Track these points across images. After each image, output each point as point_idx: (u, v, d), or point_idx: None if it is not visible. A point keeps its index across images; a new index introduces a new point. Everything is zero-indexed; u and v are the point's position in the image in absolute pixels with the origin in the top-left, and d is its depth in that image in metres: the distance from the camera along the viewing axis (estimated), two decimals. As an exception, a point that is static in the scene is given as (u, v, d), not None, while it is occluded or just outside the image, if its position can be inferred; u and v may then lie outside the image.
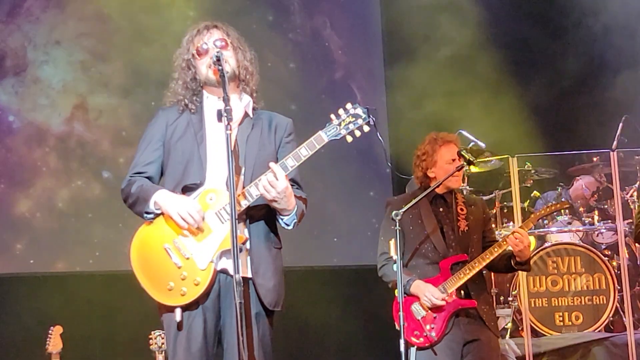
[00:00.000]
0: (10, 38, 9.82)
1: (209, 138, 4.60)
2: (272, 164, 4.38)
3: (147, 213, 4.52)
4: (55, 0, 9.94)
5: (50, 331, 7.09)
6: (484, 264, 6.18)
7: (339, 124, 4.42)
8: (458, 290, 6.10)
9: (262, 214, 4.57)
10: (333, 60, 10.44)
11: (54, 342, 7.02)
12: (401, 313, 5.67)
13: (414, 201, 6.00)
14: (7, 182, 9.64)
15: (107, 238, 9.54)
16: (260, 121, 4.70)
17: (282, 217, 4.56)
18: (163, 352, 6.65)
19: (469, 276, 6.09)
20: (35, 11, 9.90)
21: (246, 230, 4.50)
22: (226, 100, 4.31)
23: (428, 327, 6.05)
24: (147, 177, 4.66)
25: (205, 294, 4.46)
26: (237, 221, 4.21)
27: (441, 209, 6.32)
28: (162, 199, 4.49)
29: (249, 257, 4.49)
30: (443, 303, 6.03)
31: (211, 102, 4.67)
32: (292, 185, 4.56)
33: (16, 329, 8.84)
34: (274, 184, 4.35)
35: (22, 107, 9.77)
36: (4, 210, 9.57)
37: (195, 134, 4.61)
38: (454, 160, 6.29)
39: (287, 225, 4.62)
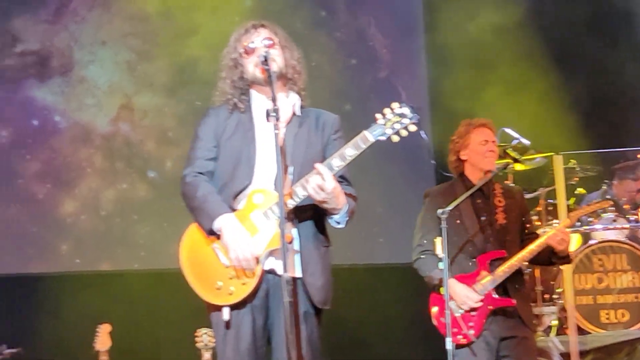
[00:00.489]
0: (57, 38, 9.91)
1: (258, 137, 4.59)
2: (317, 165, 4.35)
3: (210, 231, 4.50)
4: (100, 0, 10.00)
5: (98, 329, 7.12)
6: (523, 262, 6.15)
7: (385, 124, 4.34)
8: (495, 287, 6.04)
9: (310, 212, 4.54)
10: (378, 59, 10.36)
11: (102, 340, 7.05)
12: (448, 311, 5.66)
13: (459, 200, 5.95)
14: (53, 182, 9.72)
15: (152, 238, 9.60)
16: (308, 119, 4.68)
17: (332, 215, 4.53)
18: (210, 350, 6.65)
19: (507, 274, 6.02)
20: (81, 11, 9.96)
21: (294, 230, 4.49)
22: (274, 99, 4.31)
23: (466, 325, 6.00)
24: (207, 173, 4.62)
25: (253, 293, 4.46)
26: (285, 220, 4.20)
27: (479, 201, 6.22)
28: (227, 228, 4.46)
29: (297, 256, 4.48)
30: (480, 304, 5.99)
31: (259, 101, 4.66)
32: (340, 181, 4.53)
33: (64, 327, 8.88)
34: (322, 186, 4.32)
35: (68, 107, 9.84)
36: (50, 210, 9.66)
37: (245, 134, 4.60)
38: (486, 141, 6.24)
39: (338, 223, 4.59)
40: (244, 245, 4.40)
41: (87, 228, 9.68)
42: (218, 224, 4.45)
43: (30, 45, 9.87)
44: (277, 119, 4.26)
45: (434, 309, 6.10)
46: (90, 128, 9.82)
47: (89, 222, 9.70)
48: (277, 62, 4.58)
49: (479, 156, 6.22)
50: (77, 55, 9.92)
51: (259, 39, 4.65)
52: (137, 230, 9.71)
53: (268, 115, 4.27)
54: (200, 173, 4.61)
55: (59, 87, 9.86)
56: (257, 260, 4.42)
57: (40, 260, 9.56)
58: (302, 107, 4.72)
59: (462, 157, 6.31)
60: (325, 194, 4.34)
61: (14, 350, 7.85)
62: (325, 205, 4.43)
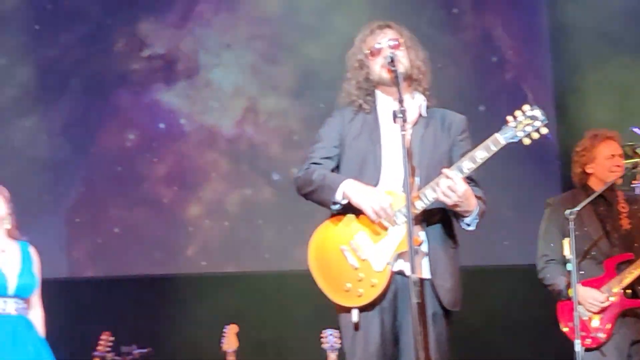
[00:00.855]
0: (183, 42, 10.02)
1: (384, 138, 4.58)
2: (446, 170, 4.34)
3: (334, 203, 4.50)
4: (226, 3, 10.08)
5: (224, 330, 7.21)
6: None
7: (516, 126, 4.34)
8: (624, 289, 5.95)
9: (439, 215, 4.54)
10: (504, 60, 10.19)
11: (229, 341, 7.13)
12: (576, 313, 5.60)
13: (587, 200, 5.84)
14: (179, 186, 9.84)
15: (277, 241, 9.61)
16: (434, 120, 4.64)
17: (463, 218, 4.51)
18: (335, 351, 6.66)
19: (635, 275, 5.93)
20: (206, 15, 10.06)
21: (423, 233, 4.48)
22: (401, 100, 4.28)
23: (595, 328, 5.93)
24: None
25: (382, 295, 4.46)
26: (413, 223, 4.21)
27: (602, 208, 6.18)
28: (352, 189, 4.45)
29: (426, 258, 4.46)
30: (608, 303, 5.88)
31: (385, 102, 4.64)
32: (469, 182, 4.50)
33: (192, 328, 9.00)
34: (453, 189, 4.31)
35: (193, 110, 9.93)
36: (177, 213, 9.78)
37: (371, 134, 4.59)
38: (613, 156, 6.18)
39: (469, 225, 4.56)
40: (377, 196, 4.38)
41: (213, 231, 9.74)
42: (340, 192, 4.45)
43: (157, 49, 10.01)
44: (404, 120, 4.24)
45: (562, 317, 5.98)
46: (215, 131, 9.88)
47: (214, 225, 9.76)
48: (403, 63, 4.57)
49: (606, 171, 6.20)
50: (202, 59, 10.00)
51: (385, 39, 4.64)
52: (262, 233, 9.73)
53: (395, 116, 4.25)
54: (314, 163, 4.64)
55: (184, 90, 9.95)
56: (393, 220, 4.42)
57: (167, 263, 9.68)
58: (427, 107, 4.68)
59: (588, 171, 6.28)
60: (457, 197, 4.33)
61: (143, 351, 7.97)
62: (456, 209, 4.42)
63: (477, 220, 4.53)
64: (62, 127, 9.92)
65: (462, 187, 4.32)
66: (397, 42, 4.61)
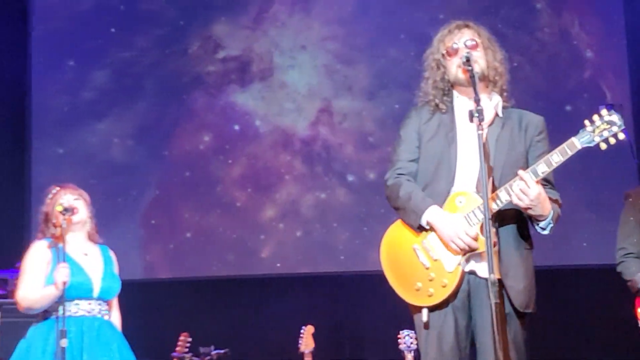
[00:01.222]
0: (257, 44, 10.07)
1: (460, 139, 4.57)
2: (521, 172, 4.33)
3: (419, 228, 4.54)
4: (300, 5, 10.10)
5: (302, 331, 7.29)
6: None
7: (593, 131, 4.33)
8: None
9: (512, 216, 4.51)
10: (582, 59, 10.00)
11: (306, 342, 7.22)
12: None
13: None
14: (253, 187, 9.86)
15: (352, 242, 9.58)
16: (510, 120, 4.61)
17: (537, 222, 4.48)
18: (412, 352, 6.64)
19: None
20: (281, 16, 10.09)
21: (495, 234, 4.42)
22: (477, 100, 4.26)
23: None
24: (410, 173, 4.64)
25: (454, 295, 4.47)
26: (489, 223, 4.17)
27: None
28: (435, 219, 4.48)
29: (498, 259, 4.41)
30: None
31: (461, 103, 4.64)
32: (544, 185, 4.49)
33: (269, 329, 9.08)
34: (526, 192, 4.29)
35: (268, 112, 9.97)
36: (251, 215, 9.79)
37: (446, 135, 4.59)
38: None
39: (543, 229, 4.53)
40: (457, 229, 4.40)
41: (287, 232, 9.76)
42: (425, 219, 4.48)
43: (232, 51, 10.09)
44: (481, 120, 4.21)
45: (640, 312, 5.88)
46: (290, 132, 9.91)
47: (288, 226, 9.77)
48: (480, 63, 4.55)
49: None
50: (277, 60, 10.06)
51: (462, 40, 4.63)
52: (337, 235, 9.70)
53: (471, 116, 4.22)
54: (402, 174, 4.64)
55: (259, 92, 10.01)
56: (476, 239, 4.41)
57: (241, 264, 9.71)
58: (504, 108, 4.65)
59: None
60: (530, 200, 4.30)
61: (220, 351, 8.04)
62: (530, 212, 4.39)
63: (552, 225, 4.51)
64: (137, 129, 10.05)
65: (535, 190, 4.30)
66: (474, 42, 4.60)
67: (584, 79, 9.94)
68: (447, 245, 4.45)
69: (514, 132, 4.59)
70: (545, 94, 9.61)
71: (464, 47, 4.59)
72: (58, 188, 5.72)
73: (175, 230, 9.85)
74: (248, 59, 10.04)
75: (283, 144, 9.89)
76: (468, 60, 4.42)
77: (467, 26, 4.69)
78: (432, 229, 4.50)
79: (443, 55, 4.66)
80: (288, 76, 10.03)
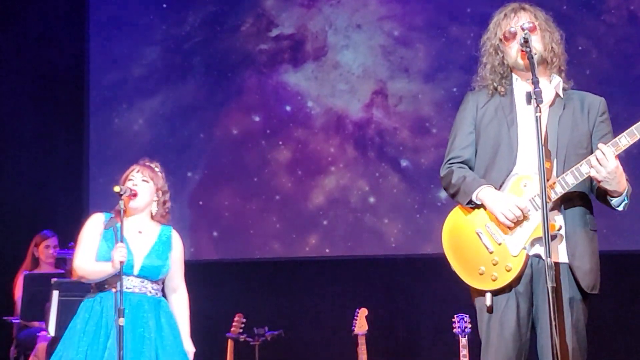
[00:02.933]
0: (311, 22, 9.88)
1: (520, 121, 4.56)
2: (601, 145, 4.32)
3: (469, 203, 4.58)
4: (358, -18, 9.84)
5: (356, 313, 7.43)
6: None
7: None
8: None
9: (579, 197, 4.52)
10: (651, 44, 9.71)
11: (360, 324, 7.36)
12: None
13: None
14: (303, 170, 9.71)
15: (404, 227, 9.40)
16: (572, 101, 4.59)
17: (611, 198, 4.48)
18: (466, 336, 6.75)
19: None
20: (336, -7, 9.85)
21: (560, 217, 4.46)
22: (535, 82, 4.24)
23: None
24: (463, 161, 4.68)
25: (517, 280, 4.46)
26: (549, 208, 4.25)
27: None
28: (486, 197, 4.51)
29: (563, 242, 4.45)
30: None
31: (520, 86, 4.62)
32: None
33: (322, 311, 9.16)
34: (603, 163, 4.29)
35: (320, 93, 9.78)
36: (300, 199, 9.66)
37: (506, 117, 4.59)
38: None
39: (617, 206, 4.54)
40: (507, 203, 4.43)
41: (337, 216, 9.60)
42: (475, 196, 4.53)
43: (285, 29, 9.93)
44: (539, 103, 4.19)
45: None
46: (343, 115, 9.72)
47: (338, 210, 9.60)
48: (537, 46, 4.52)
49: None
50: (331, 40, 9.85)
51: (519, 23, 4.60)
52: (389, 219, 9.49)
53: (529, 98, 4.21)
54: (454, 163, 4.68)
55: (312, 72, 9.83)
56: (525, 217, 4.44)
57: (291, 248, 9.63)
58: (564, 89, 4.64)
59: None
60: (606, 173, 4.32)
61: (274, 333, 8.18)
62: (605, 186, 4.40)
63: (626, 202, 4.51)
64: (186, 107, 9.91)
65: (613, 163, 4.29)
66: (531, 25, 4.56)
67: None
68: (497, 221, 4.45)
69: (577, 113, 4.57)
70: (611, 80, 9.33)
71: (521, 30, 4.53)
72: (136, 166, 5.79)
73: (224, 212, 9.74)
74: (301, 38, 9.85)
75: (335, 127, 9.70)
76: (527, 42, 4.36)
77: (523, 9, 4.64)
78: (483, 206, 4.52)
79: (501, 40, 4.61)
80: (342, 56, 9.81)
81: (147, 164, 5.83)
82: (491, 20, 4.70)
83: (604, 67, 9.42)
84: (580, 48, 9.20)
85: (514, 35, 4.55)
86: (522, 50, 4.43)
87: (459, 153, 4.67)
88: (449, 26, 9.53)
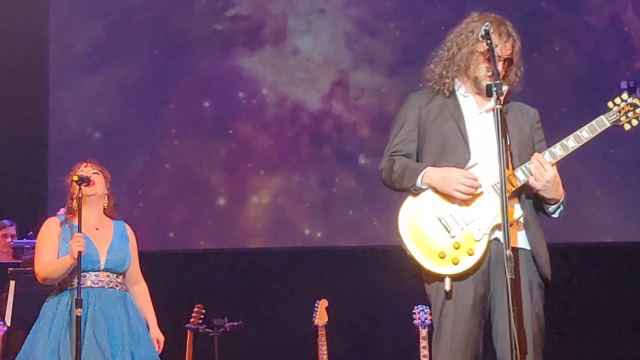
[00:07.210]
0: (271, 4, 9.68)
1: (467, 118, 4.61)
2: (537, 154, 4.49)
3: (415, 189, 4.57)
4: (323, -36, 9.61)
5: (316, 304, 7.51)
6: None
7: (619, 111, 4.53)
8: None
9: (532, 190, 4.57)
10: (632, 48, 9.41)
11: (320, 315, 7.45)
12: None
13: None
14: (253, 162, 9.45)
15: (364, 220, 9.32)
16: (511, 108, 4.68)
17: (547, 205, 4.59)
18: (426, 327, 6.85)
19: None
20: (300, -25, 9.63)
21: (519, 205, 4.56)
22: (495, 74, 4.29)
23: None
24: (405, 155, 4.66)
25: (477, 265, 4.50)
26: (508, 197, 4.26)
27: None
28: (433, 178, 4.52)
29: (523, 230, 4.55)
30: None
31: (464, 90, 4.67)
32: None
33: (282, 302, 9.14)
34: (542, 173, 4.43)
35: (277, 80, 9.52)
36: (245, 190, 9.41)
37: (452, 113, 4.62)
38: None
39: (552, 213, 4.64)
40: (456, 177, 4.47)
41: (290, 210, 9.40)
42: (420, 178, 4.53)
43: (243, 9, 9.67)
44: (500, 94, 4.24)
45: None
46: (299, 105, 9.48)
47: (291, 205, 9.38)
48: (510, 79, 4.63)
49: None
50: (291, 24, 9.60)
51: (505, 51, 4.59)
52: (351, 212, 9.39)
53: (489, 90, 4.26)
54: (395, 155, 4.67)
55: (269, 57, 9.55)
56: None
57: (249, 240, 9.53)
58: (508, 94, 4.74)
59: None
60: (545, 182, 4.45)
61: (234, 324, 8.21)
62: (543, 194, 4.51)
63: (562, 209, 4.63)
64: (132, 87, 9.52)
65: (550, 172, 4.45)
66: (512, 61, 4.62)
67: (634, 70, 9.41)
68: (452, 199, 4.50)
69: (519, 117, 4.70)
70: (588, 84, 9.16)
71: (504, 62, 4.60)
72: (83, 162, 5.97)
73: (166, 204, 9.40)
74: (260, 20, 9.60)
75: (290, 118, 9.45)
76: (487, 33, 4.34)
77: (509, 35, 4.61)
78: (434, 190, 4.54)
79: (481, 52, 4.56)
80: (302, 42, 9.58)
81: (89, 159, 5.98)
82: (474, 20, 4.62)
83: (581, 69, 9.31)
84: (557, 48, 9.05)
85: (495, 60, 4.47)
86: (490, 76, 4.38)
87: (400, 147, 4.67)
88: (420, 16, 9.33)
